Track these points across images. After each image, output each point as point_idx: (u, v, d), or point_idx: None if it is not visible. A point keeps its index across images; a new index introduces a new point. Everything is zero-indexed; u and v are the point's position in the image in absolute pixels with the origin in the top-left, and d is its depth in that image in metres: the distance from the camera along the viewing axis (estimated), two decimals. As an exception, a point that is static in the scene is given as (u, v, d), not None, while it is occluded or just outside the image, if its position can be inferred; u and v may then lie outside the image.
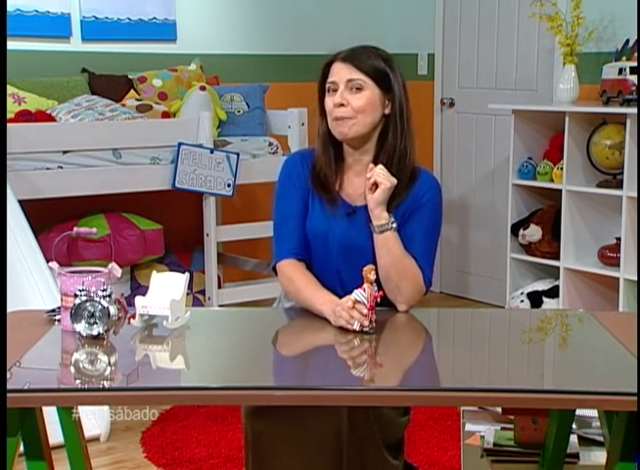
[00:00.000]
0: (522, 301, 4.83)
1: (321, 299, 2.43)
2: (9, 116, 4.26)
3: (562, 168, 4.67)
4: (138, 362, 2.18)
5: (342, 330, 2.31)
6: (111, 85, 4.85)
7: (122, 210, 4.69)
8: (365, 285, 2.28)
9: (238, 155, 4.74)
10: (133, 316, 2.31)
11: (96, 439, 3.59)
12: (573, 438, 2.63)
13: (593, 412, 2.68)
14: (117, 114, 4.56)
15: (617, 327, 2.36)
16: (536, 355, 2.37)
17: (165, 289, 2.34)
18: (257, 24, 5.59)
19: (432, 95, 5.85)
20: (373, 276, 2.28)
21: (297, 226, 2.57)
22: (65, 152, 4.37)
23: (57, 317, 2.37)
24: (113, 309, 2.20)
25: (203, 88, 4.84)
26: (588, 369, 2.15)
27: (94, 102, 4.61)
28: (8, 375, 1.99)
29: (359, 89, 2.50)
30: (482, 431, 2.77)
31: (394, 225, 2.47)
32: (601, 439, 2.57)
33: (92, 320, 2.20)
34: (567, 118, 4.59)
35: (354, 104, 2.49)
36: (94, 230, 2.61)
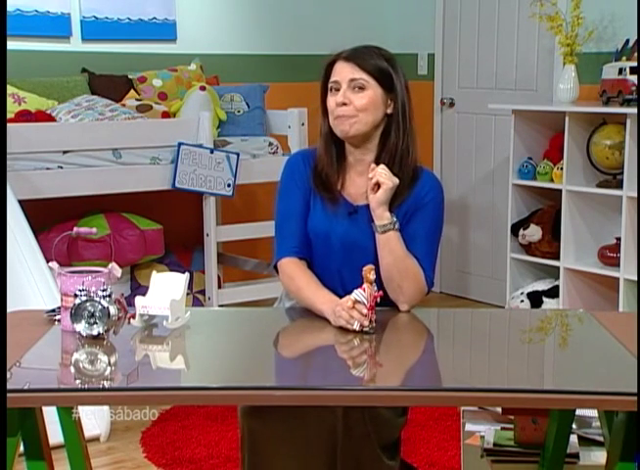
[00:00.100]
0: (522, 301, 4.83)
1: (321, 298, 2.44)
2: (9, 116, 4.26)
3: (562, 168, 4.67)
4: (138, 362, 2.18)
5: (342, 330, 2.31)
6: (111, 85, 4.85)
7: (122, 210, 4.69)
8: (365, 285, 2.28)
9: (238, 155, 4.74)
10: (133, 316, 2.31)
11: (96, 439, 3.59)
12: (573, 438, 2.63)
13: (593, 412, 2.68)
14: (117, 114, 4.56)
15: (617, 327, 2.36)
16: (536, 355, 2.37)
17: (165, 289, 2.34)
18: (257, 24, 5.59)
19: (432, 95, 5.85)
20: (373, 276, 2.28)
21: (299, 225, 2.57)
22: (65, 152, 4.37)
23: (57, 317, 2.37)
24: (113, 309, 2.20)
25: (203, 88, 4.84)
26: (588, 369, 2.15)
27: (94, 102, 4.61)
28: (8, 375, 1.99)
29: (362, 88, 2.50)
30: (482, 431, 2.77)
31: (397, 225, 2.48)
32: (601, 439, 2.57)
33: (92, 320, 2.20)
34: (567, 118, 4.59)
35: (357, 103, 2.49)
36: (94, 230, 2.61)
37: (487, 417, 2.84)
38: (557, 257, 4.76)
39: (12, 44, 4.21)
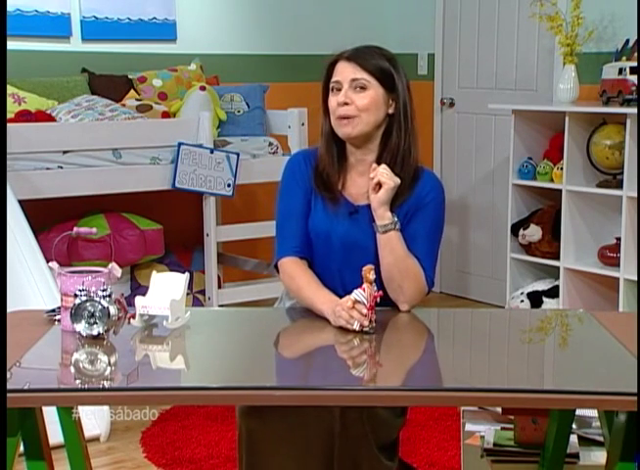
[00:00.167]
0: (522, 301, 4.83)
1: (321, 298, 2.44)
2: (9, 116, 4.26)
3: (562, 168, 4.67)
4: (138, 362, 2.18)
5: (342, 330, 2.31)
6: (111, 85, 4.85)
7: (122, 210, 4.69)
8: (365, 285, 2.28)
9: (238, 155, 4.74)
10: (133, 316, 2.31)
11: (96, 439, 3.59)
12: (573, 438, 2.63)
13: (593, 412, 2.68)
14: (117, 114, 4.56)
15: (617, 327, 2.36)
16: (536, 355, 2.37)
17: (165, 289, 2.34)
18: (257, 24, 5.59)
19: (432, 95, 5.85)
20: (372, 276, 2.28)
21: (300, 225, 2.57)
22: (65, 152, 4.37)
23: (57, 317, 2.37)
24: (113, 309, 2.20)
25: (203, 88, 4.84)
26: (588, 369, 2.15)
27: (94, 102, 4.61)
28: (8, 375, 1.99)
29: (363, 88, 2.50)
30: (482, 431, 2.77)
31: (397, 225, 2.48)
32: (601, 439, 2.57)
33: (92, 320, 2.20)
34: (567, 118, 4.59)
35: (358, 103, 2.50)
36: (94, 230, 2.61)
37: (487, 417, 2.84)
38: (557, 257, 4.76)
39: (12, 44, 4.21)
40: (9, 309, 2.36)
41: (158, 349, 2.27)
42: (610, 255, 4.58)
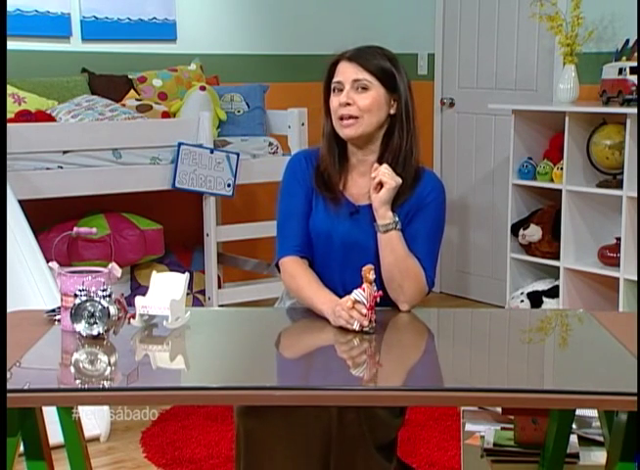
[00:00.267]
0: (522, 301, 4.83)
1: (322, 298, 2.44)
2: (9, 116, 4.26)
3: (562, 168, 4.67)
4: (138, 362, 2.17)
5: (342, 330, 2.31)
6: (111, 85, 4.85)
7: (122, 210, 4.69)
8: (364, 285, 2.28)
9: (238, 155, 4.74)
10: (133, 316, 2.31)
11: (96, 439, 3.59)
12: (573, 438, 2.63)
13: (593, 412, 2.68)
14: (117, 114, 4.56)
15: (617, 327, 2.36)
16: (536, 355, 2.37)
17: (165, 289, 2.34)
18: (257, 24, 5.59)
19: (432, 95, 5.85)
20: (372, 276, 2.28)
21: (301, 224, 2.58)
22: (65, 152, 4.37)
23: (57, 317, 2.37)
24: (113, 309, 2.20)
25: (203, 88, 4.84)
26: (588, 369, 2.15)
27: (94, 102, 4.61)
28: (8, 375, 1.99)
29: (365, 89, 2.50)
30: (482, 431, 2.77)
31: (398, 225, 2.48)
32: (601, 439, 2.57)
33: (92, 320, 2.20)
34: (567, 118, 4.59)
35: (360, 103, 2.50)
36: (94, 230, 2.61)
37: (487, 417, 2.84)
38: (557, 257, 4.76)
39: (12, 44, 4.21)
40: (9, 309, 2.36)
41: (158, 349, 2.27)
42: (610, 255, 4.58)
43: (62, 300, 2.30)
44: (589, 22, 4.78)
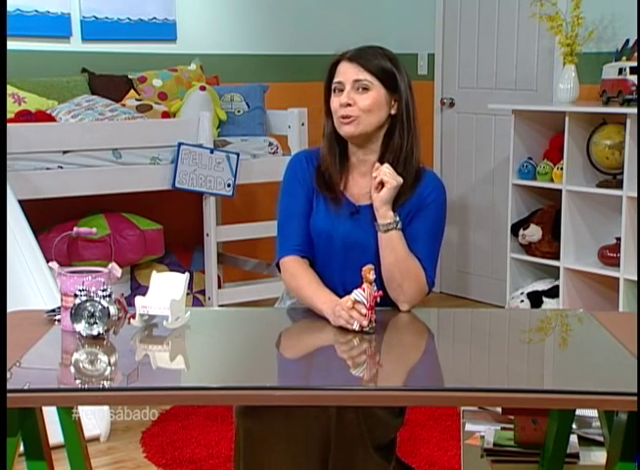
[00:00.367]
0: (522, 301, 4.83)
1: (322, 298, 2.44)
2: (9, 116, 4.26)
3: (562, 168, 4.67)
4: (138, 362, 2.17)
5: (342, 330, 2.31)
6: (111, 85, 4.85)
7: (122, 210, 4.69)
8: (364, 285, 2.28)
9: (238, 155, 4.74)
10: (133, 316, 2.31)
11: (96, 439, 3.59)
12: (573, 438, 2.63)
13: (593, 412, 2.68)
14: (117, 114, 4.56)
15: (617, 327, 2.36)
16: (536, 355, 2.37)
17: (165, 289, 2.34)
18: (257, 24, 5.59)
19: (432, 95, 5.85)
20: (372, 276, 2.28)
21: (302, 224, 2.58)
22: (65, 152, 4.37)
23: (57, 317, 2.37)
24: (113, 309, 2.20)
25: (203, 88, 4.84)
26: (588, 369, 2.15)
27: (94, 102, 4.61)
28: (8, 375, 1.99)
29: (366, 89, 2.50)
30: (482, 431, 2.77)
31: (399, 225, 2.48)
32: (601, 439, 2.57)
33: (92, 320, 2.20)
34: (567, 118, 4.59)
35: (361, 104, 2.50)
36: (94, 230, 2.61)
37: (487, 417, 2.84)
38: (557, 257, 4.76)
39: (12, 44, 4.21)
40: (9, 309, 2.36)
41: (158, 349, 2.27)
42: (610, 255, 4.58)
43: (62, 300, 2.30)
44: (589, 22, 4.78)
